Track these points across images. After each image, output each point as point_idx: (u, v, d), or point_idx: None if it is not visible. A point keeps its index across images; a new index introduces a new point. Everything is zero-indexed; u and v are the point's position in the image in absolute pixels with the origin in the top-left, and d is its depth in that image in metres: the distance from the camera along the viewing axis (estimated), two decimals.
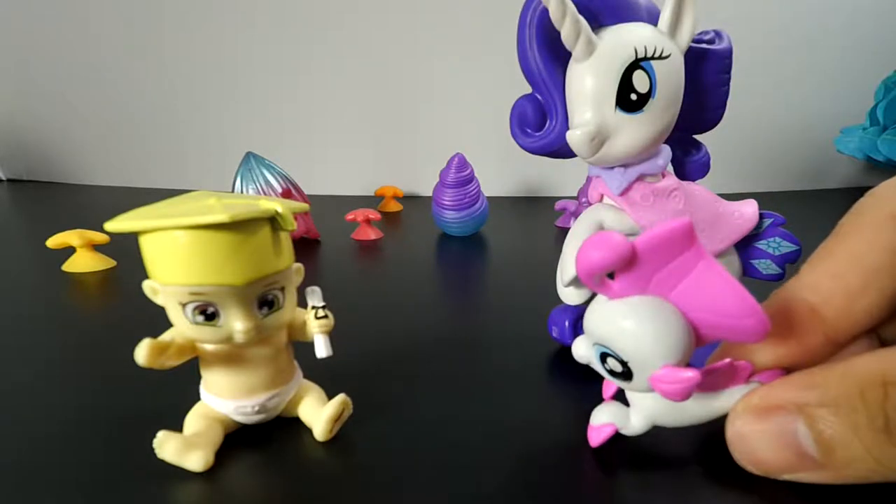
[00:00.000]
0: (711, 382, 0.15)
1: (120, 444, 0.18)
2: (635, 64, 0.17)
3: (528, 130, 0.20)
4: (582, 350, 0.16)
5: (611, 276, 0.14)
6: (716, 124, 0.21)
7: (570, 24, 0.17)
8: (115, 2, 0.67)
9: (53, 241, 0.38)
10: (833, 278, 0.14)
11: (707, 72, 0.20)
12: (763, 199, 0.22)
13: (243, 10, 0.65)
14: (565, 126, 0.19)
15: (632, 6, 0.18)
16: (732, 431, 0.14)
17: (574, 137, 0.18)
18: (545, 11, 0.18)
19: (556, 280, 0.22)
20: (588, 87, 0.18)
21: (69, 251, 0.38)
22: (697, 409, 0.16)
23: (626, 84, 0.18)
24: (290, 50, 0.66)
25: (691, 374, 0.13)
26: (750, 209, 0.21)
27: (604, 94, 0.18)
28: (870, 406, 0.11)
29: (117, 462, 0.17)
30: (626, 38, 0.18)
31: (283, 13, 0.64)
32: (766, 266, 0.22)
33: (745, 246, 0.22)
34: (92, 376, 0.23)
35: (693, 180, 0.22)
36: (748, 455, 0.14)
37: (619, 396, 0.17)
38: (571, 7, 0.17)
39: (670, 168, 0.21)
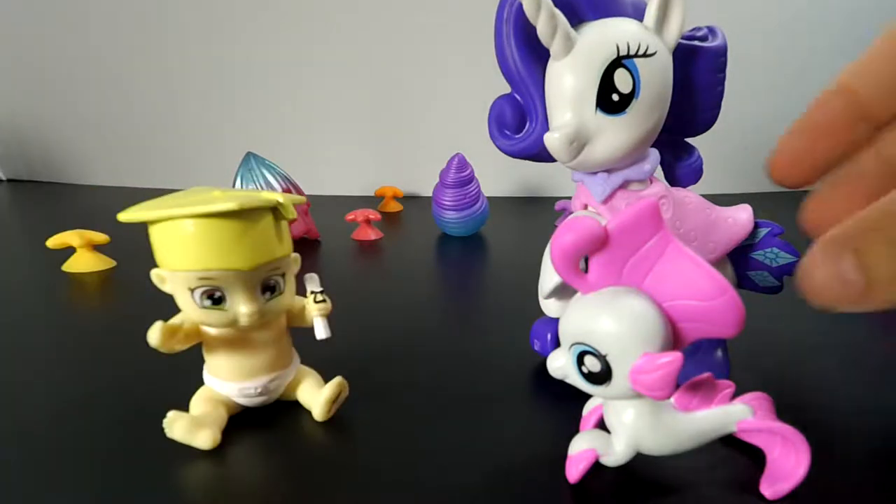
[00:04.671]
0: (692, 398, 0.15)
1: (116, 441, 0.18)
2: (617, 62, 0.16)
3: (507, 132, 0.19)
4: (557, 362, 0.15)
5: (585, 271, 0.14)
6: (709, 126, 0.20)
7: (545, 19, 0.16)
8: (116, 2, 0.67)
9: (53, 241, 0.38)
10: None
11: (699, 71, 0.19)
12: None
13: (244, 11, 0.65)
14: (545, 128, 0.18)
15: (621, 2, 0.17)
16: (800, 271, 0.14)
17: (552, 141, 0.17)
18: (522, 6, 0.16)
19: (538, 292, 0.21)
20: (567, 86, 0.17)
21: (69, 251, 0.38)
22: (681, 430, 0.15)
23: (607, 83, 0.16)
24: (291, 50, 0.66)
25: (671, 358, 0.13)
26: (744, 215, 0.20)
27: (583, 94, 0.17)
28: None
29: (114, 461, 0.18)
30: (608, 35, 0.16)
31: (283, 14, 0.64)
32: (762, 278, 0.21)
33: (740, 256, 0.21)
34: (92, 375, 0.23)
35: (684, 186, 0.21)
36: (810, 288, 0.13)
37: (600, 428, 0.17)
38: (547, 1, 0.16)
39: (660, 173, 0.20)
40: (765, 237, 0.20)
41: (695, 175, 0.21)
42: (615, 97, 0.17)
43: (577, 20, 0.17)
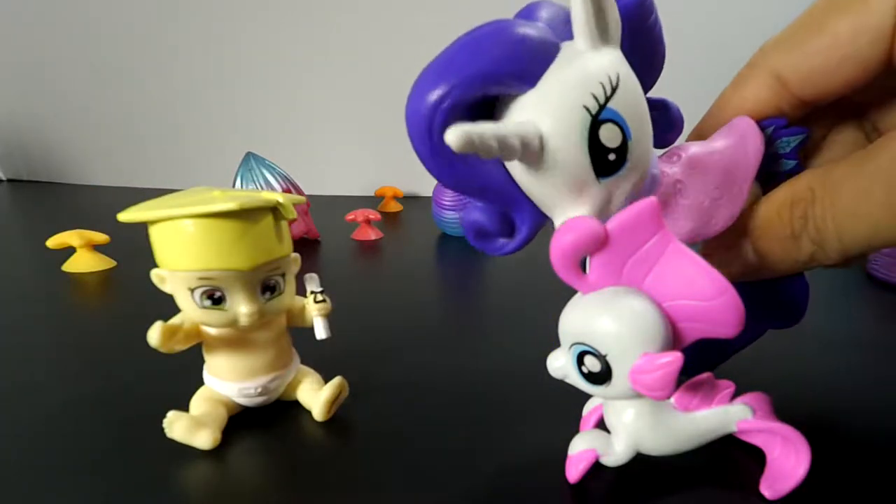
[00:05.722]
0: (692, 398, 0.15)
1: (116, 441, 0.18)
2: (596, 123, 0.13)
3: (498, 240, 0.15)
4: (557, 362, 0.15)
5: (584, 270, 0.14)
6: (662, 68, 0.17)
7: (508, 152, 0.12)
8: (116, 2, 0.67)
9: (53, 241, 0.38)
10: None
11: (635, 33, 0.15)
12: None
13: (244, 11, 0.65)
14: (538, 214, 0.15)
15: (541, 47, 0.13)
16: (701, 251, 0.18)
17: None
18: (452, 106, 0.12)
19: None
20: (557, 185, 0.13)
21: (69, 251, 0.38)
22: (681, 430, 0.15)
23: (597, 151, 0.13)
24: (291, 50, 0.66)
25: (671, 358, 0.13)
26: (746, 132, 0.17)
27: (579, 180, 0.13)
28: (783, 222, 0.15)
29: (114, 461, 0.18)
30: (568, 101, 0.13)
31: (283, 14, 0.64)
32: (783, 165, 0.18)
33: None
34: (92, 375, 0.23)
35: (673, 142, 0.18)
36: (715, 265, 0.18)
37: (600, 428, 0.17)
38: (502, 132, 0.12)
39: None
40: (773, 133, 0.18)
41: (678, 125, 0.18)
42: (612, 157, 0.13)
43: (513, 97, 0.13)
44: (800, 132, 0.18)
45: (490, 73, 0.12)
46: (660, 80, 0.17)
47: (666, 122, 0.18)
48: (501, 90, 0.13)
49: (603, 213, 0.14)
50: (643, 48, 0.15)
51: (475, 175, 0.14)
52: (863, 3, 0.14)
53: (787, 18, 0.18)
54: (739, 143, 0.17)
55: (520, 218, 0.15)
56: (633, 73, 0.14)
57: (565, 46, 0.13)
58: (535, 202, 0.14)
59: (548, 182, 0.13)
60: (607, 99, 0.13)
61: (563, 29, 0.13)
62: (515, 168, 0.14)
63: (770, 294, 0.19)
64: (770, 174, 0.18)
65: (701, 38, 0.56)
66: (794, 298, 0.20)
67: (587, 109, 0.12)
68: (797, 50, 0.16)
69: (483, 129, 0.11)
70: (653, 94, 0.17)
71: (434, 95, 0.12)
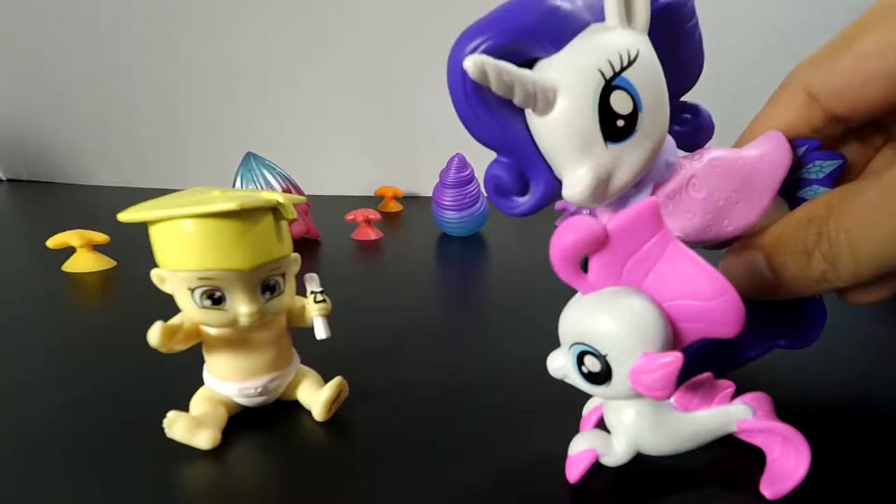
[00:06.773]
0: (692, 398, 0.15)
1: (116, 441, 0.18)
2: (608, 88, 0.14)
3: (513, 198, 0.17)
4: (557, 362, 0.15)
5: (584, 270, 0.14)
6: (699, 75, 0.18)
7: (520, 93, 0.14)
8: (116, 2, 0.67)
9: (53, 241, 0.38)
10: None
11: (674, 32, 0.16)
12: None
13: (244, 11, 0.65)
14: (551, 177, 0.16)
15: (572, 17, 0.14)
16: (721, 266, 0.18)
17: (574, 197, 0.15)
18: (485, 53, 0.14)
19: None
20: (566, 139, 0.15)
21: (69, 251, 0.38)
22: (681, 430, 0.15)
23: (606, 115, 0.14)
24: (291, 50, 0.66)
25: (671, 358, 0.13)
26: (777, 146, 0.17)
27: (587, 138, 0.14)
28: (797, 239, 0.15)
29: (114, 461, 0.18)
30: (584, 64, 0.14)
31: (283, 13, 0.64)
32: (813, 192, 0.18)
33: (786, 181, 0.18)
34: (92, 375, 0.23)
35: (702, 146, 0.18)
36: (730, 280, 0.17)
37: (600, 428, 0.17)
38: (517, 72, 0.13)
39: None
40: (805, 155, 0.18)
41: (709, 131, 0.19)
42: (620, 123, 0.14)
43: (535, 57, 0.15)
44: (835, 158, 0.18)
45: (523, 28, 0.14)
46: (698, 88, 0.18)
47: (696, 125, 0.18)
48: (532, 49, 0.14)
49: (606, 179, 0.15)
50: (680, 52, 0.16)
51: (499, 127, 0.15)
52: (890, 20, 0.14)
53: (822, 30, 0.18)
54: (767, 154, 0.17)
55: (534, 179, 0.16)
56: (656, 58, 0.15)
57: (596, 24, 0.15)
58: (548, 158, 0.16)
59: (558, 135, 0.15)
60: (623, 68, 0.14)
61: (600, 14, 0.15)
62: (534, 121, 0.15)
63: (784, 310, 0.19)
64: (798, 198, 0.18)
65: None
66: (809, 318, 0.19)
67: (601, 73, 0.14)
68: (827, 67, 0.16)
69: (501, 63, 0.13)
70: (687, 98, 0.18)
71: (471, 46, 0.14)
